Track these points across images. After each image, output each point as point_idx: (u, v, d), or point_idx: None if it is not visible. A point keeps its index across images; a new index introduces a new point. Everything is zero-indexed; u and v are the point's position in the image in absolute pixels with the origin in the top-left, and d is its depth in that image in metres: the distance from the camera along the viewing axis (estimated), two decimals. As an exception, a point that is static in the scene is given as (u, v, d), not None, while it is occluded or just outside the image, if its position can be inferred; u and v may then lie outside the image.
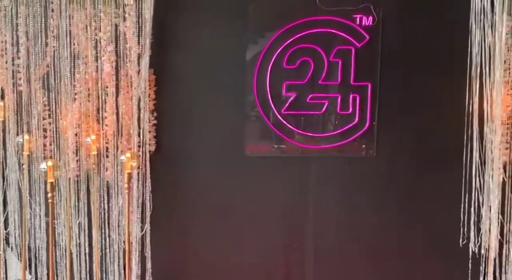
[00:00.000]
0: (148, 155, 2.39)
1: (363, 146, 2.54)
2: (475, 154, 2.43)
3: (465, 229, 2.50)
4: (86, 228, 2.40)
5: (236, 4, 2.48)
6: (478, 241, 2.48)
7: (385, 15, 2.46)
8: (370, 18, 2.44)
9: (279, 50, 2.44)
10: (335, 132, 2.52)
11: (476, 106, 2.42)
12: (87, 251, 2.41)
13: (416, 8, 2.51)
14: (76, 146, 2.32)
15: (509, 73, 2.34)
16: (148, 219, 2.42)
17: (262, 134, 2.54)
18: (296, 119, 2.51)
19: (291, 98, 2.48)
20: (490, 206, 2.40)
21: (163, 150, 2.51)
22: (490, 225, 2.42)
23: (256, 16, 2.47)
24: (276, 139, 2.52)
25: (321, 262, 2.61)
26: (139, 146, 2.35)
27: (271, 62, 2.45)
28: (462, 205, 2.49)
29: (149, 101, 2.39)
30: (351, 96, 2.49)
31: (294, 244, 2.59)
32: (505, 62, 2.32)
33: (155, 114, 2.45)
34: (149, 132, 2.39)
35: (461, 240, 2.51)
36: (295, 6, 2.47)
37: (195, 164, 2.57)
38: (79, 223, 2.38)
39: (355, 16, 2.44)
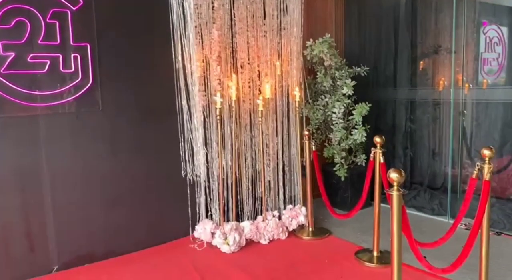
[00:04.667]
0: None
1: (89, 101, 2.81)
2: (184, 102, 3.06)
3: (185, 164, 3.14)
4: None
5: None
6: (193, 170, 3.16)
7: (95, -18, 2.75)
8: (82, -16, 2.69)
9: (-12, 10, 2.43)
10: (60, 90, 2.69)
11: (180, 64, 3.03)
12: None
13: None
14: None
15: (201, 35, 3.01)
16: None
17: (-19, 95, 2.49)
18: (19, 79, 2.55)
19: (10, 58, 2.51)
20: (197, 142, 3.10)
21: None
22: (199, 156, 3.13)
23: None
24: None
25: (61, 216, 2.77)
26: None
27: (-18, 21, 2.42)
28: (181, 145, 3.11)
29: None
30: (72, 55, 2.71)
31: (31, 201, 2.67)
32: (196, 27, 2.97)
33: None
34: None
35: (182, 172, 3.14)
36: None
37: None
38: None
39: (79, -20, 2.64)
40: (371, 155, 2.76)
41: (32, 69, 2.59)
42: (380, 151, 2.70)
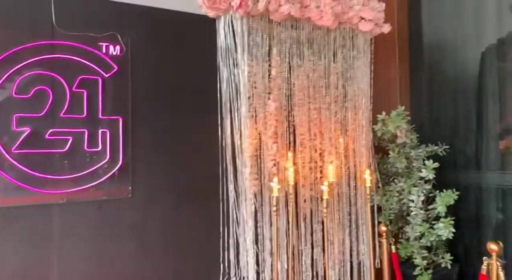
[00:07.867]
0: None
1: (116, 186, 2.27)
2: (230, 186, 2.47)
3: (226, 264, 2.48)
4: None
5: None
6: (238, 275, 2.48)
7: (134, 45, 2.33)
8: (118, 47, 2.26)
9: (4, 77, 2.00)
10: (82, 173, 2.17)
11: (228, 140, 2.49)
12: None
13: (166, 41, 2.47)
14: None
15: (254, 108, 2.50)
16: None
17: (-15, 180, 1.99)
18: (32, 159, 2.06)
19: (25, 134, 2.04)
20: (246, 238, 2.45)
21: None
22: (247, 256, 2.46)
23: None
24: (5, 186, 2.01)
25: None
26: None
27: (-5, 90, 1.98)
28: (221, 240, 2.47)
29: None
30: (100, 131, 2.22)
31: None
32: (249, 98, 2.47)
33: None
34: None
35: (221, 277, 2.46)
36: (25, 26, 2.08)
37: None
38: None
39: (101, 44, 2.22)
40: (483, 266, 2.04)
41: (49, 148, 2.10)
42: (500, 264, 1.98)
